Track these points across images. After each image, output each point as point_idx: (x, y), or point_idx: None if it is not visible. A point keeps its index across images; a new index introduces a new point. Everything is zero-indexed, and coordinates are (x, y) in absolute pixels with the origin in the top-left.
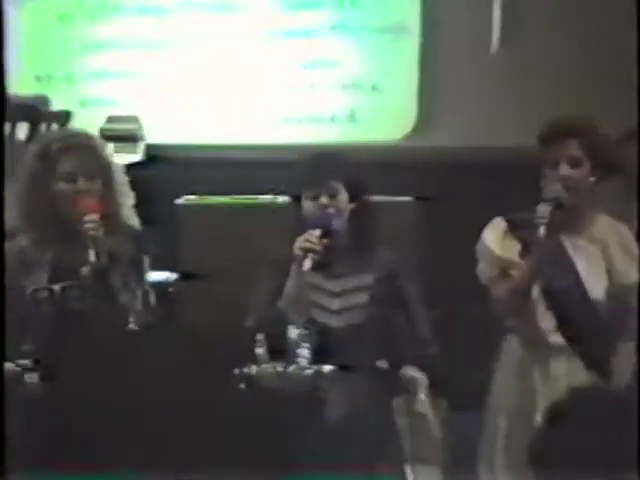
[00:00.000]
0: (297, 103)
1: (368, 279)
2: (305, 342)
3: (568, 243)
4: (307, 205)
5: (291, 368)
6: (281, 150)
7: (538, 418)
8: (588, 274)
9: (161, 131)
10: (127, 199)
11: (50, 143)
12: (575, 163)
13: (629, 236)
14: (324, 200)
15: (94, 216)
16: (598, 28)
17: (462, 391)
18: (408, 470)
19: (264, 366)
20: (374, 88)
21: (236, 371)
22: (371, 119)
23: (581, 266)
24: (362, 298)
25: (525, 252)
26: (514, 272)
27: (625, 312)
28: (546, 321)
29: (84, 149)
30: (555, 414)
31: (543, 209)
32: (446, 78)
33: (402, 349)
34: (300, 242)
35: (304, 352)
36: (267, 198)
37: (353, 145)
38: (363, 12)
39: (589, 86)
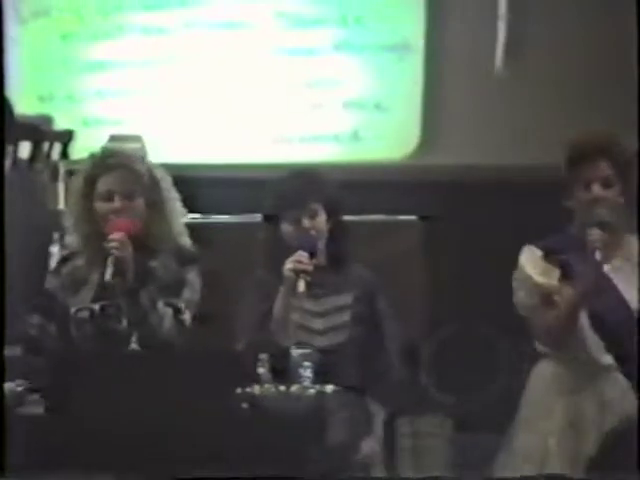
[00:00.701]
0: (300, 122)
1: (348, 298)
2: (308, 362)
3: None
4: (287, 227)
5: (294, 388)
6: (284, 169)
7: (590, 439)
8: (627, 293)
9: (164, 150)
10: (178, 217)
11: (92, 163)
12: (607, 184)
13: None
14: (306, 222)
15: (119, 235)
16: (604, 46)
17: (470, 412)
18: None
19: (267, 386)
20: (378, 107)
21: (239, 391)
22: (375, 138)
23: (620, 286)
24: (344, 317)
25: (566, 277)
26: (557, 298)
27: None
28: (594, 343)
29: (122, 168)
30: (613, 442)
31: (596, 234)
32: (450, 97)
33: (373, 370)
34: (291, 264)
35: (307, 372)
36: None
37: (356, 164)
38: (367, 30)
39: (595, 104)
